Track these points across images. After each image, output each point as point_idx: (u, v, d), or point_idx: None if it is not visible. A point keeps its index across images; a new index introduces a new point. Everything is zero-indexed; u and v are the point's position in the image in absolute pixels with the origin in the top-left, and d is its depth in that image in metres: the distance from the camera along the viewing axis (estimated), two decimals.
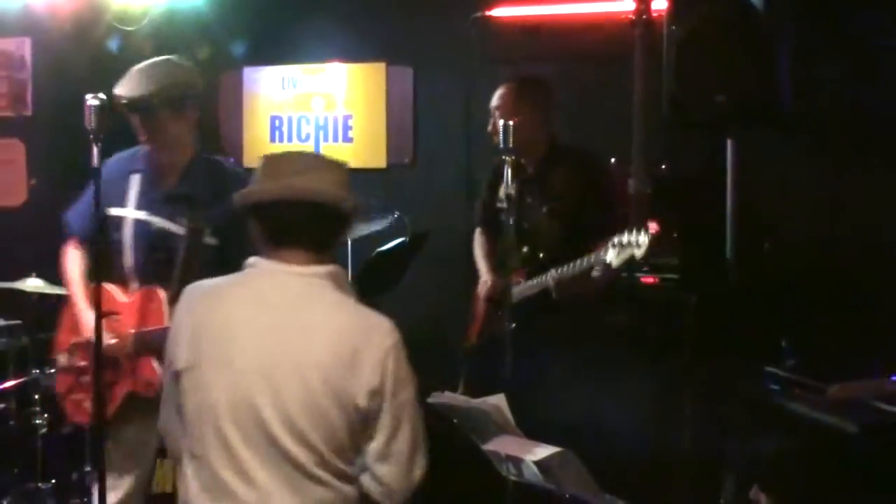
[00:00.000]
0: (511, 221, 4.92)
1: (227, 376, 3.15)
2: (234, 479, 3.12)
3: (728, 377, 5.15)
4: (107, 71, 6.94)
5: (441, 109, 7.14)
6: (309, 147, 7.48)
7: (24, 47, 7.42)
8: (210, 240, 4.55)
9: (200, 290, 3.36)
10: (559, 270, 5.16)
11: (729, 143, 5.60)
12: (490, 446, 3.60)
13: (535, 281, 5.28)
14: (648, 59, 5.68)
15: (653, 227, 4.70)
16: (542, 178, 5.38)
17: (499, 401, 3.74)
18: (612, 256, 4.77)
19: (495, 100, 5.49)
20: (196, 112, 4.67)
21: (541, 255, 5.32)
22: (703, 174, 5.98)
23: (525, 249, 5.37)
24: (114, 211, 4.73)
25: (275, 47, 7.58)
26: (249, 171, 7.35)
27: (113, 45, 7.21)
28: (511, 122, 4.65)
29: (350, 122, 7.43)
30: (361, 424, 3.18)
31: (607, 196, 5.44)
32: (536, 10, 6.63)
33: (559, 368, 5.12)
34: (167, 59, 4.69)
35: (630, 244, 4.70)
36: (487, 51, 6.75)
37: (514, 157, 4.98)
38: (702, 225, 5.77)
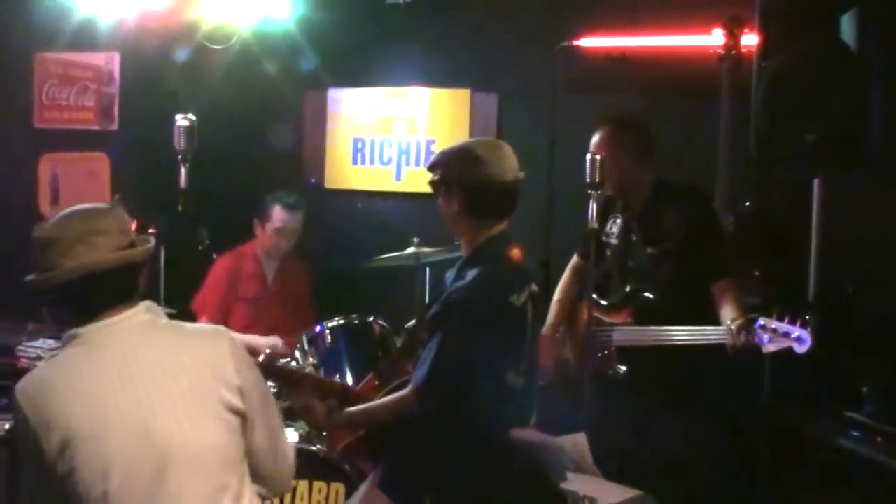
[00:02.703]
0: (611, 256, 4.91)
1: (101, 447, 3.02)
2: None
3: (807, 422, 5.08)
4: (194, 89, 7.06)
5: (524, 137, 7.05)
6: (390, 171, 7.52)
7: (113, 62, 7.49)
8: None
9: (37, 383, 3.14)
10: (690, 333, 4.98)
11: (815, 181, 5.53)
12: (568, 485, 3.56)
13: (654, 331, 5.12)
14: (736, 94, 5.64)
15: (809, 319, 4.61)
16: (648, 217, 5.27)
17: (579, 439, 3.71)
18: (764, 342, 4.67)
19: (594, 145, 5.28)
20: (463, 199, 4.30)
21: (651, 296, 5.21)
22: (788, 212, 5.90)
23: (628, 288, 5.29)
24: None
25: (360, 69, 7.61)
26: (331, 191, 7.50)
27: (201, 63, 7.27)
28: (598, 157, 4.60)
29: (433, 147, 7.42)
30: (242, 429, 3.22)
31: (718, 234, 5.30)
32: (623, 41, 6.59)
33: (638, 409, 5.08)
34: (462, 142, 4.53)
35: (788, 335, 4.59)
36: (573, 80, 6.75)
37: (618, 197, 4.97)
38: (785, 265, 5.69)
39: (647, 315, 5.13)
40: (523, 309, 4.20)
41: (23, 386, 3.15)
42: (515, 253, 4.25)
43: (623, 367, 5.16)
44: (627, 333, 5.17)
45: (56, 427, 3.02)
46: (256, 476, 3.32)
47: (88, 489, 3.01)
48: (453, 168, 4.28)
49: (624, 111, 5.67)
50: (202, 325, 3.38)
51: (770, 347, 4.62)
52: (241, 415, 3.21)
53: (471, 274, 4.21)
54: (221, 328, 3.37)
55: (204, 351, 3.22)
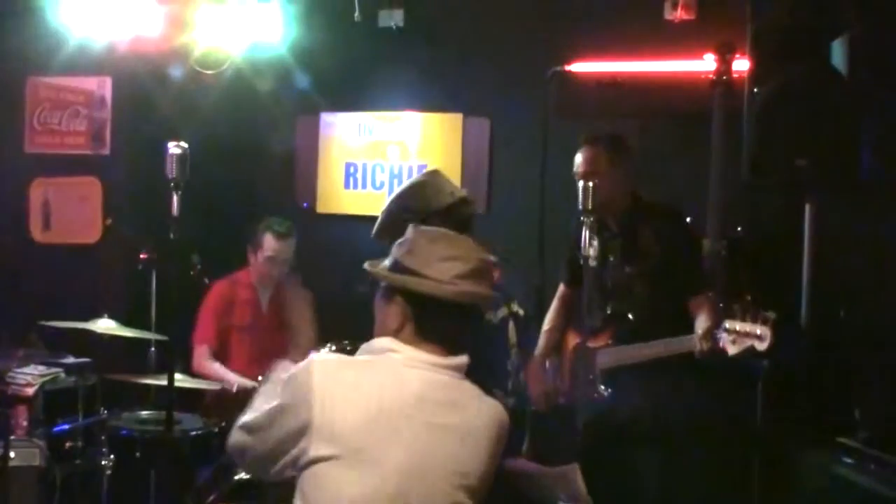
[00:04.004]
0: (590, 277, 4.91)
1: (374, 473, 2.95)
2: None
3: (799, 447, 5.07)
4: (187, 114, 7.07)
5: (516, 162, 7.13)
6: (383, 195, 7.52)
7: (105, 87, 7.48)
8: None
9: (340, 369, 3.10)
10: (663, 344, 5.00)
11: (807, 206, 5.53)
12: None
13: (631, 348, 5.14)
14: (728, 119, 5.63)
15: (770, 315, 4.60)
16: (626, 236, 5.30)
17: (571, 471, 3.70)
18: (727, 344, 4.67)
19: (576, 163, 5.34)
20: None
21: (630, 316, 5.23)
22: (780, 237, 5.90)
23: (609, 310, 5.31)
24: None
25: (352, 94, 7.62)
26: (323, 216, 7.48)
27: (194, 88, 7.27)
28: (591, 184, 4.61)
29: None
30: None
31: (693, 252, 5.33)
32: (615, 66, 6.60)
33: (626, 434, 5.09)
34: (404, 186, 4.49)
35: (749, 335, 4.60)
36: (565, 105, 6.74)
37: (595, 216, 4.97)
38: (777, 289, 5.69)
39: (626, 335, 5.16)
40: (502, 326, 4.22)
41: (330, 366, 3.09)
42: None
43: (607, 390, 5.16)
44: (608, 355, 5.20)
45: (327, 429, 2.96)
46: None
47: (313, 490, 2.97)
48: (418, 203, 4.24)
49: (601, 129, 5.64)
50: (494, 405, 3.20)
51: (733, 350, 4.65)
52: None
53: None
54: (505, 414, 3.22)
55: (487, 441, 3.11)
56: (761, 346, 4.57)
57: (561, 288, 5.75)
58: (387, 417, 2.98)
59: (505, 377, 4.20)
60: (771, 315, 4.58)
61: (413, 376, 3.07)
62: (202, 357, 6.32)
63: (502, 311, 4.22)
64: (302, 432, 2.99)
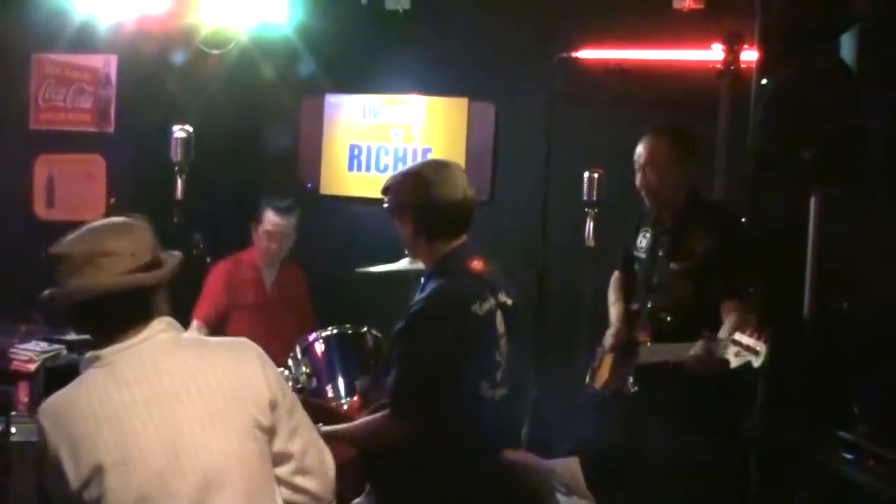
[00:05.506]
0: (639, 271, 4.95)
1: (132, 473, 2.92)
2: None
3: (798, 441, 5.07)
4: (191, 93, 7.05)
5: (521, 148, 7.11)
6: (386, 178, 7.51)
7: (110, 65, 7.46)
8: None
9: (62, 407, 3.03)
10: (684, 347, 4.93)
11: (812, 198, 5.52)
12: None
13: (666, 347, 5.10)
14: (734, 110, 5.62)
15: (768, 333, 4.59)
16: (675, 232, 5.29)
17: (571, 462, 3.70)
18: (731, 356, 4.66)
19: (638, 153, 5.32)
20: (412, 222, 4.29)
21: (666, 315, 5.22)
22: (785, 229, 5.89)
23: (650, 305, 5.30)
24: None
25: (357, 76, 7.60)
26: (327, 198, 7.46)
27: (199, 67, 7.26)
28: (596, 175, 4.61)
29: (429, 156, 7.40)
30: (272, 443, 3.15)
31: (738, 255, 5.21)
32: (622, 54, 6.59)
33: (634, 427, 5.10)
34: (410, 166, 4.56)
35: (750, 349, 4.58)
36: (571, 92, 6.73)
37: (653, 209, 5.00)
38: (781, 281, 5.68)
39: (662, 332, 5.15)
40: (488, 318, 4.21)
41: (47, 408, 3.06)
42: (477, 264, 4.27)
43: (634, 386, 5.18)
44: (645, 351, 5.20)
45: (82, 453, 2.93)
46: (306, 472, 3.24)
47: None
48: (402, 192, 4.31)
49: (668, 121, 5.61)
50: (226, 340, 3.32)
51: (735, 362, 4.63)
52: (272, 430, 3.14)
53: (430, 287, 4.24)
54: (245, 340, 3.30)
55: (231, 368, 3.13)
56: (756, 363, 4.57)
57: (615, 274, 5.79)
58: (120, 419, 2.97)
59: (493, 369, 4.19)
60: (767, 331, 4.59)
61: (101, 375, 3.04)
62: (193, 332, 6.30)
63: (489, 304, 4.20)
64: (61, 479, 2.96)
